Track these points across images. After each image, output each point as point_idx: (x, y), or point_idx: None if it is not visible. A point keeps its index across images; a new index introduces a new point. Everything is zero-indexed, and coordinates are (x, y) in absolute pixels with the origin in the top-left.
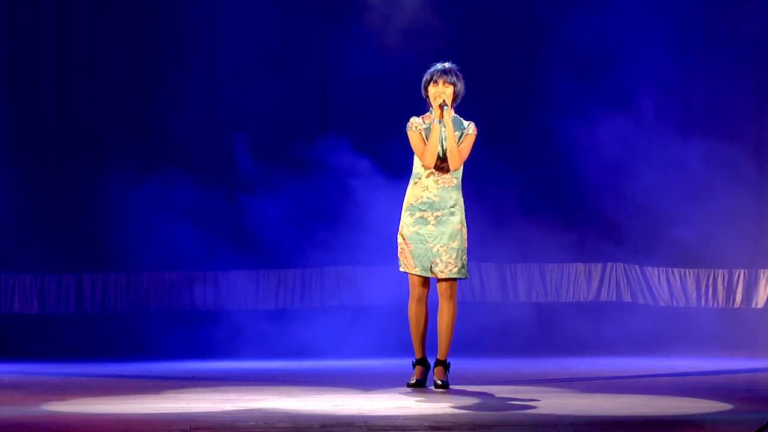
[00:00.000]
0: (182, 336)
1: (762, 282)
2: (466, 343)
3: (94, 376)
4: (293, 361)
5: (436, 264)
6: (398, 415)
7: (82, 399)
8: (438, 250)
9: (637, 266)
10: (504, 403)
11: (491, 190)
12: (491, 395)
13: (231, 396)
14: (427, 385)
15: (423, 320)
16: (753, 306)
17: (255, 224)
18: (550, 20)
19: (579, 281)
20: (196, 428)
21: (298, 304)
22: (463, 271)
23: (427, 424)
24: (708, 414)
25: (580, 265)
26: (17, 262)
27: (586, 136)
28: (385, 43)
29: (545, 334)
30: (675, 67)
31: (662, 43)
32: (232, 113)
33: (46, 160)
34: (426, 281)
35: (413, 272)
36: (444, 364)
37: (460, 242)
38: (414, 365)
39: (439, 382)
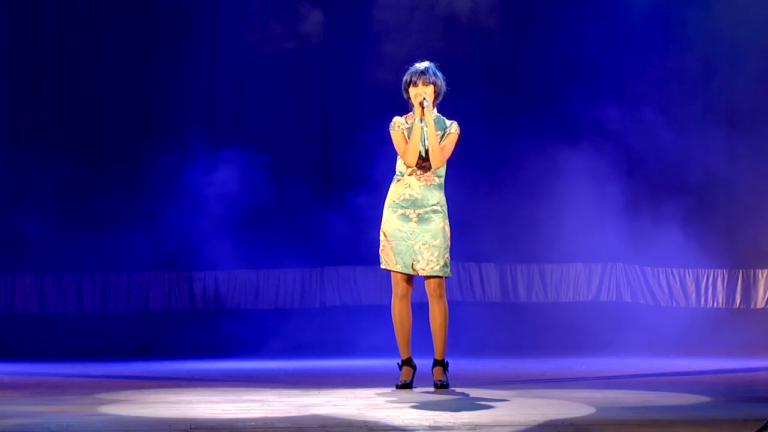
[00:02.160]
0: (182, 336)
1: (762, 282)
2: (466, 343)
3: (94, 376)
4: (293, 361)
5: (418, 261)
6: (398, 415)
7: (82, 399)
8: (420, 247)
9: (637, 266)
10: (504, 403)
11: (491, 189)
12: (491, 395)
13: (231, 396)
14: (415, 386)
15: (407, 319)
16: (753, 306)
17: (255, 225)
18: (553, 21)
19: (579, 281)
20: (196, 428)
21: (297, 304)
22: (446, 269)
23: (427, 424)
24: (708, 414)
25: (580, 265)
26: (17, 262)
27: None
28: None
29: (545, 334)
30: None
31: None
32: (231, 113)
33: (46, 159)
34: (409, 279)
35: (395, 269)
36: (442, 364)
37: (442, 240)
38: (400, 366)
39: (439, 382)
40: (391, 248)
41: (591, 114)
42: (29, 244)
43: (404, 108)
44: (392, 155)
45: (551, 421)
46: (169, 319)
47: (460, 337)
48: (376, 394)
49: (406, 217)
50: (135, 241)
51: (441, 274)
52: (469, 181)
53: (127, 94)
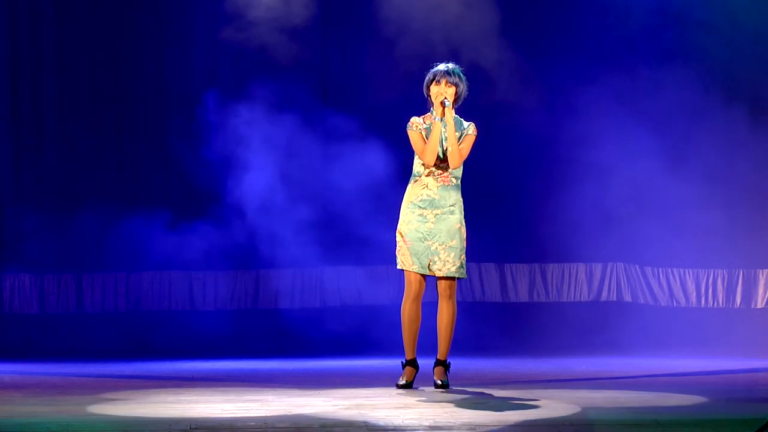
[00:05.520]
0: (182, 336)
1: (762, 282)
2: (466, 343)
3: (95, 376)
4: (293, 361)
5: (434, 262)
6: (398, 415)
7: (82, 399)
8: (436, 248)
9: (637, 266)
10: (504, 403)
11: (491, 188)
12: (491, 395)
13: (231, 396)
14: (415, 386)
15: (417, 320)
16: (753, 306)
17: (254, 224)
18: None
19: (579, 281)
20: (196, 428)
21: (298, 304)
22: (462, 270)
23: (427, 424)
24: (708, 414)
25: (581, 265)
26: (17, 262)
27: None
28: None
29: (545, 334)
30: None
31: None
32: (230, 113)
33: (45, 160)
34: (423, 280)
35: (411, 269)
36: (444, 364)
37: (458, 241)
38: (404, 366)
39: (440, 382)
40: (408, 249)
41: (587, 118)
42: (29, 243)
43: (403, 104)
44: (392, 153)
45: (551, 421)
46: (169, 319)
47: (460, 337)
48: (376, 394)
49: (423, 218)
50: (135, 240)
51: (457, 275)
52: (469, 180)
53: (126, 88)
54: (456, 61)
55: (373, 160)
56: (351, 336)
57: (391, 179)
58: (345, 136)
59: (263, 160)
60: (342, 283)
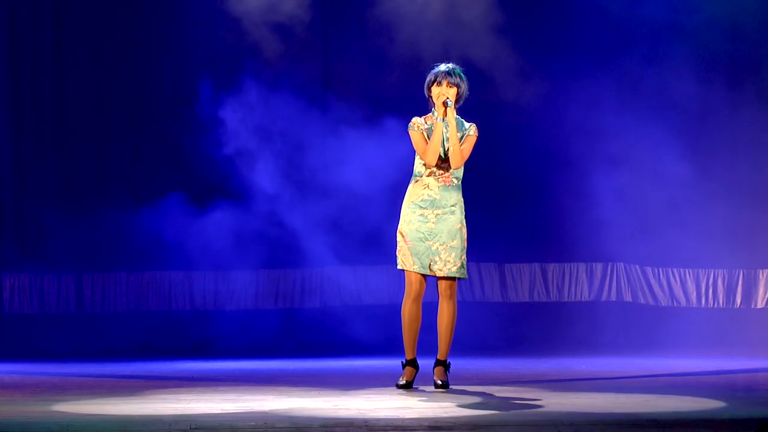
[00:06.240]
0: (182, 336)
1: (762, 282)
2: (466, 343)
3: (94, 376)
4: (293, 361)
5: (435, 262)
6: (398, 415)
7: (82, 399)
8: (437, 248)
9: (637, 266)
10: (504, 403)
11: (491, 188)
12: (491, 395)
13: (231, 396)
14: (415, 386)
15: (417, 320)
16: (753, 306)
17: (254, 224)
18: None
19: (580, 281)
20: (196, 428)
21: (298, 304)
22: (462, 270)
23: (427, 424)
24: (708, 414)
25: (581, 265)
26: (18, 262)
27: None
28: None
29: (545, 334)
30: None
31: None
32: (229, 111)
33: (45, 159)
34: (423, 280)
35: (411, 269)
36: (444, 364)
37: (459, 241)
38: (404, 366)
39: (440, 382)
40: (409, 249)
41: (587, 118)
42: (30, 243)
43: (402, 102)
44: (393, 152)
45: (551, 421)
46: (169, 319)
47: (460, 337)
48: (376, 394)
49: (424, 218)
50: (135, 240)
51: (458, 275)
52: (469, 181)
53: (126, 90)
54: (454, 60)
55: (376, 155)
56: (351, 336)
57: (394, 175)
58: (348, 128)
59: (268, 156)
60: (342, 284)
